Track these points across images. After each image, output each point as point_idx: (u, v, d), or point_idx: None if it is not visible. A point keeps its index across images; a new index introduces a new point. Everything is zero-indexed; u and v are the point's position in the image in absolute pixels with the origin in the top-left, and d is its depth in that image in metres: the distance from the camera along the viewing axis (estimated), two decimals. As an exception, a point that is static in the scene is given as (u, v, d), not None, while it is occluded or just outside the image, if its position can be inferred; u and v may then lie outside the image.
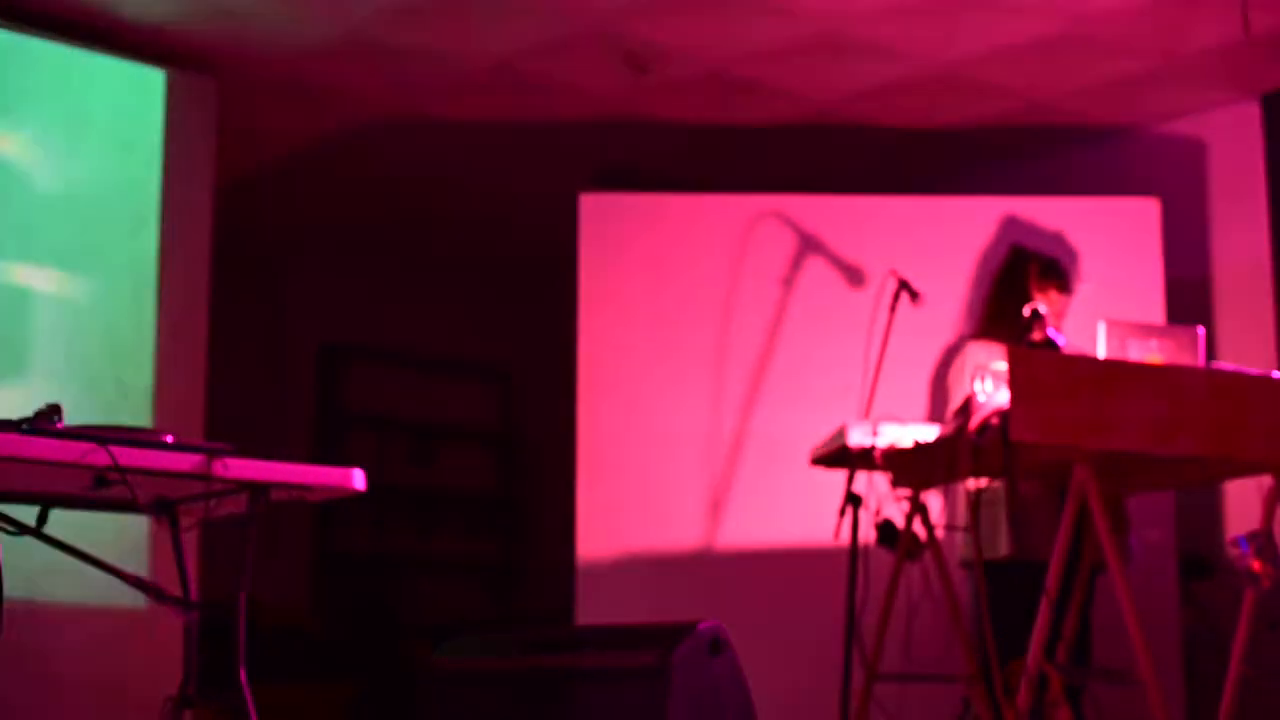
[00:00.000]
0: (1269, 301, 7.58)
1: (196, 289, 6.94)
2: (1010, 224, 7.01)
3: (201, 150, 7.06)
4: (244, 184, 8.59)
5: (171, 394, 6.75)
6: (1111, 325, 5.05)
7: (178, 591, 4.52)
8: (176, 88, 6.99)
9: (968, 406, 4.98)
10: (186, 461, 3.99)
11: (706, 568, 6.77)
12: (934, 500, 6.10)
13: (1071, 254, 6.80)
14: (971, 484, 5.45)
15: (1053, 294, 6.06)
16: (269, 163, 8.68)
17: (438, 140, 8.39)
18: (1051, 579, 4.74)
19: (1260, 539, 4.97)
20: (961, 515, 6.02)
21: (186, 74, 7.07)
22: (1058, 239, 6.88)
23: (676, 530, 6.83)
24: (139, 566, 6.06)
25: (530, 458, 11.09)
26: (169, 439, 4.07)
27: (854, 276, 6.90)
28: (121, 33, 6.87)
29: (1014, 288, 6.11)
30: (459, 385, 11.09)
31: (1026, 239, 6.61)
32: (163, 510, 4.44)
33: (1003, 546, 5.77)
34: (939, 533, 5.51)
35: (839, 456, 5.39)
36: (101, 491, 3.89)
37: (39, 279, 6.66)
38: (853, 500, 5.60)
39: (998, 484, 5.64)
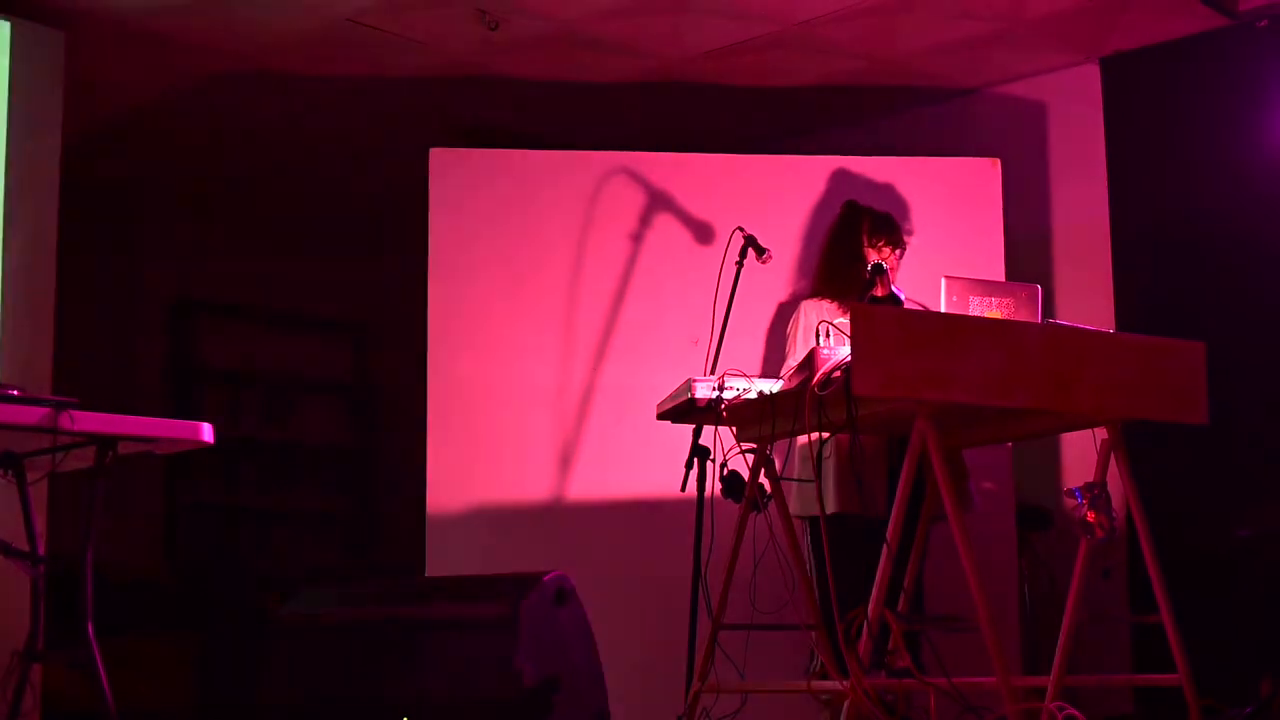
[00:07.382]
0: (1106, 259, 7.73)
1: (44, 242, 6.82)
2: (841, 178, 7.06)
3: (49, 102, 6.93)
4: (94, 137, 8.49)
5: (19, 348, 6.64)
6: (952, 281, 5.09)
7: (25, 546, 4.53)
8: (23, 39, 6.85)
9: (812, 360, 5.00)
10: (32, 414, 4.00)
11: (556, 520, 6.76)
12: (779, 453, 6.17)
13: (903, 207, 6.86)
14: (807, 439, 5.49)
15: (885, 249, 6.09)
16: (120, 116, 8.58)
17: (289, 95, 8.33)
18: (892, 529, 4.76)
19: (1094, 490, 5.05)
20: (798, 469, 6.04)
21: (33, 25, 6.92)
22: (888, 190, 6.93)
23: (526, 483, 6.81)
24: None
25: (384, 411, 11.09)
26: (15, 392, 4.08)
27: (702, 233, 6.89)
28: (-35, -17, 6.76)
29: (847, 243, 6.13)
30: (313, 340, 11.06)
31: (859, 195, 6.64)
32: (9, 464, 4.44)
33: (837, 501, 5.84)
34: (783, 485, 5.56)
35: (685, 410, 5.37)
36: (-55, 445, 3.89)
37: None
38: (699, 453, 5.66)
39: (840, 438, 5.70)
